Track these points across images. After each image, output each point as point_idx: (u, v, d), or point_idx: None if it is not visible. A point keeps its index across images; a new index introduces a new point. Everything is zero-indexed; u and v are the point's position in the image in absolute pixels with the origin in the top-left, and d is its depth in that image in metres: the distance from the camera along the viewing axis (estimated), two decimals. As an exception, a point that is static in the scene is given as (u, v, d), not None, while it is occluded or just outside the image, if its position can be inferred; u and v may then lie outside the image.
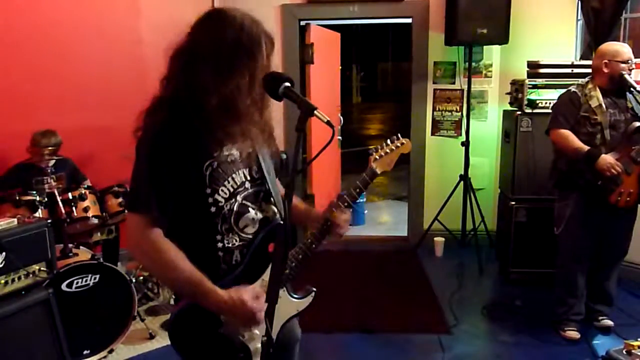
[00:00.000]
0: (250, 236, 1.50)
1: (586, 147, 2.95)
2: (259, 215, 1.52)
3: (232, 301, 1.36)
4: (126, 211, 1.45)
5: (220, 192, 1.43)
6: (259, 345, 1.41)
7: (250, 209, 1.49)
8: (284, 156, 4.80)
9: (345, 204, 1.54)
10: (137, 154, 1.41)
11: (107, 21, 4.23)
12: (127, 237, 1.40)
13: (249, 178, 1.51)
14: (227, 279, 1.44)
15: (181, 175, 1.38)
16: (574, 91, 3.11)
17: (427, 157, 4.98)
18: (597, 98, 3.00)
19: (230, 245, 1.46)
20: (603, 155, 2.91)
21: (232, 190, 1.45)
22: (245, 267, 1.48)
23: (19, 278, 2.39)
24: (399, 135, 1.65)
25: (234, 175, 1.47)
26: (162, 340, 3.23)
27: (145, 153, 1.38)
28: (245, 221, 1.48)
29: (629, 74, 2.98)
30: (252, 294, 1.39)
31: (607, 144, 2.97)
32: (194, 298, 1.39)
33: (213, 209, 1.43)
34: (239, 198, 1.47)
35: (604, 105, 2.99)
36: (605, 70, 3.03)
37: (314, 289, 1.60)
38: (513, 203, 3.99)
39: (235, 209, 1.46)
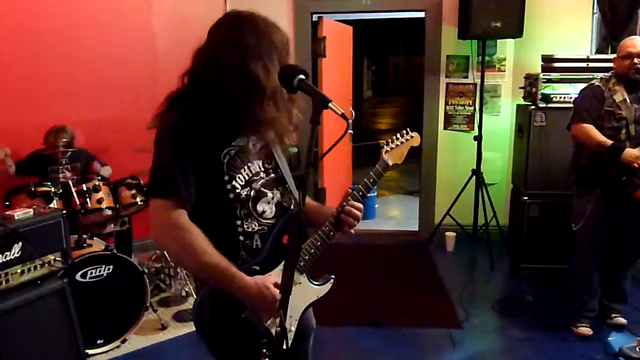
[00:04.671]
0: (269, 221, 1.53)
1: (610, 141, 2.90)
2: (275, 199, 1.55)
3: (257, 287, 1.39)
4: (148, 199, 1.46)
5: (237, 179, 1.47)
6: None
7: (267, 193, 1.53)
8: (295, 150, 4.81)
9: (360, 193, 1.57)
10: (158, 143, 1.43)
11: (120, 16, 4.26)
12: (152, 224, 1.40)
13: (263, 169, 1.54)
14: (249, 264, 1.46)
15: (201, 162, 1.41)
16: (597, 85, 3.05)
17: (439, 152, 4.96)
18: (621, 93, 2.96)
19: (250, 230, 1.49)
20: (628, 149, 2.87)
21: (247, 178, 1.49)
22: (267, 254, 1.50)
23: (35, 268, 2.42)
24: (408, 129, 1.70)
25: (249, 165, 1.50)
26: (174, 331, 3.27)
27: (167, 141, 1.41)
28: (262, 205, 1.52)
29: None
30: (276, 282, 1.41)
31: (632, 139, 2.92)
32: (220, 283, 1.40)
33: (231, 196, 1.46)
34: (255, 185, 1.50)
35: (628, 100, 2.94)
36: (614, 66, 3.02)
37: (333, 276, 1.61)
38: (525, 198, 3.96)
39: (252, 194, 1.50)
